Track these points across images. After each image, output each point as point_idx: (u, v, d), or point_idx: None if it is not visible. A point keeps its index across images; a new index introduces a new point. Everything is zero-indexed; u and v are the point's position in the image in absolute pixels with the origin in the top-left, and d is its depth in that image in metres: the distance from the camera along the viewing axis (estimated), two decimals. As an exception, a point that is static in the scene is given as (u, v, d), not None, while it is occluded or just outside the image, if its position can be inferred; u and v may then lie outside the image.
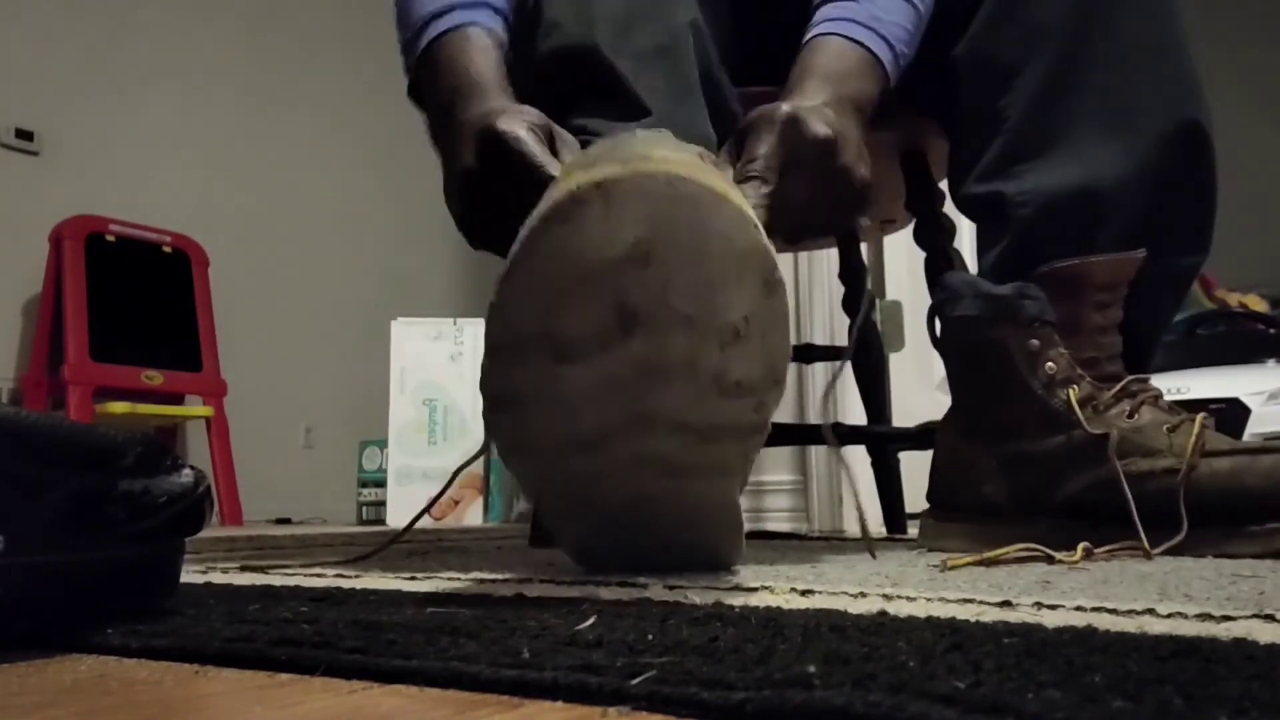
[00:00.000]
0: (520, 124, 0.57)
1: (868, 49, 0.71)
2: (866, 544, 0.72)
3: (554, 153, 0.57)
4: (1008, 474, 0.79)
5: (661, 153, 0.39)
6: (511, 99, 0.65)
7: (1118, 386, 0.75)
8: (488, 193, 0.60)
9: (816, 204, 0.63)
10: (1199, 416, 0.74)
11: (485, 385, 0.45)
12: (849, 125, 0.65)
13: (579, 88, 0.65)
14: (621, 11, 0.66)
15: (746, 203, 0.41)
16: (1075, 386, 0.75)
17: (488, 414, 0.46)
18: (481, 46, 0.70)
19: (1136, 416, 0.74)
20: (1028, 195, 0.78)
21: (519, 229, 0.43)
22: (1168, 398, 0.78)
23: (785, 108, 0.61)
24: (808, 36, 0.73)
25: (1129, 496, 0.69)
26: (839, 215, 0.66)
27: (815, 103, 0.65)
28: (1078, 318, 0.77)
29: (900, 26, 0.74)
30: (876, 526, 1.38)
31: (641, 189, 0.38)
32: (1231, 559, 0.67)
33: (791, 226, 0.63)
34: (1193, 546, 0.68)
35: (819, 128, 0.61)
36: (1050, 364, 0.76)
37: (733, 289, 0.41)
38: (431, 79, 0.71)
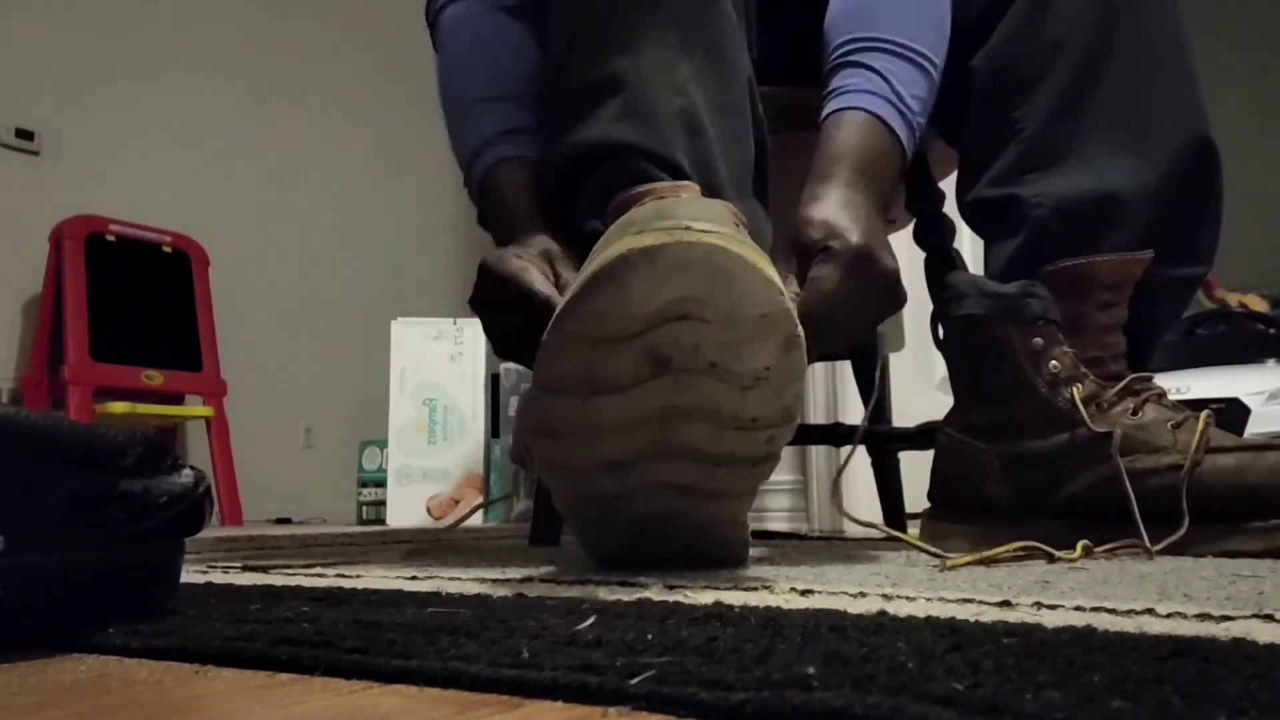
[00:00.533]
0: (514, 261, 0.61)
1: (890, 128, 0.73)
2: None
3: (555, 274, 0.61)
4: (1010, 472, 0.79)
5: (702, 224, 0.43)
6: (538, 226, 0.69)
7: (1121, 385, 0.75)
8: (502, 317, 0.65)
9: (858, 311, 0.65)
10: (1203, 413, 0.74)
11: (526, 413, 0.51)
12: (878, 224, 0.67)
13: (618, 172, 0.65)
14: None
15: (774, 270, 0.45)
16: (1079, 385, 0.76)
17: (529, 435, 0.51)
18: (514, 181, 0.76)
19: (1140, 414, 0.74)
20: (1043, 197, 0.80)
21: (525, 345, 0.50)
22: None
23: (854, 241, 0.63)
24: (831, 109, 0.74)
25: (1130, 494, 0.70)
26: (876, 317, 0.68)
27: (852, 197, 0.67)
28: (1082, 317, 0.77)
29: (918, 99, 0.75)
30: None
31: (682, 256, 0.42)
32: (1233, 556, 0.67)
33: (835, 334, 0.65)
34: (1195, 542, 0.68)
35: (889, 262, 0.65)
36: (1054, 362, 0.76)
37: (757, 345, 0.46)
38: (487, 214, 0.80)
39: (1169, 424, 0.73)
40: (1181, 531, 0.68)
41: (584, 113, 0.65)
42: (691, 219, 0.43)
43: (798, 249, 0.65)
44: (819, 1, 0.82)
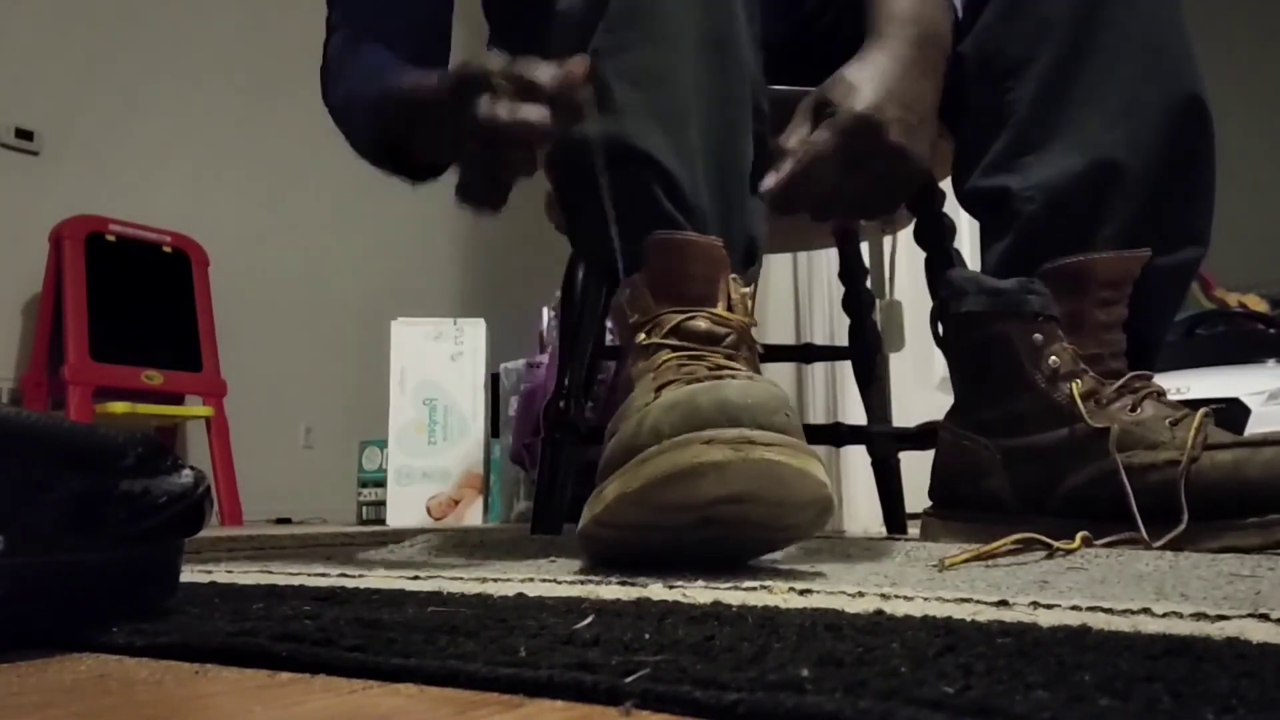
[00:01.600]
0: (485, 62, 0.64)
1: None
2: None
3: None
4: (1010, 468, 0.79)
5: (765, 436, 0.50)
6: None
7: (1120, 382, 0.76)
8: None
9: (854, 179, 0.69)
10: (1200, 410, 0.74)
11: (584, 535, 0.58)
12: (918, 83, 0.70)
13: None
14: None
15: (820, 465, 0.52)
16: (1078, 380, 0.76)
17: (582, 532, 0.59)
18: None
19: (1139, 410, 0.75)
20: (1033, 190, 0.79)
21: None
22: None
23: (857, 108, 0.68)
24: None
25: (1128, 488, 0.70)
26: (885, 194, 0.71)
27: (900, 63, 0.70)
28: (1081, 314, 0.77)
29: None
30: (876, 526, 1.39)
31: (749, 469, 0.49)
32: (1232, 552, 0.67)
33: (829, 203, 0.69)
34: (1194, 538, 0.69)
35: (897, 135, 0.68)
36: (1054, 358, 0.77)
37: (797, 514, 0.54)
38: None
39: (1167, 420, 0.74)
40: (1181, 527, 0.68)
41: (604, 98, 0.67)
42: (756, 424, 0.50)
43: (816, 103, 0.69)
44: (821, 3, 0.82)
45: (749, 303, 0.67)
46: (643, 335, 0.65)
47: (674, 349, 0.62)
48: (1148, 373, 0.78)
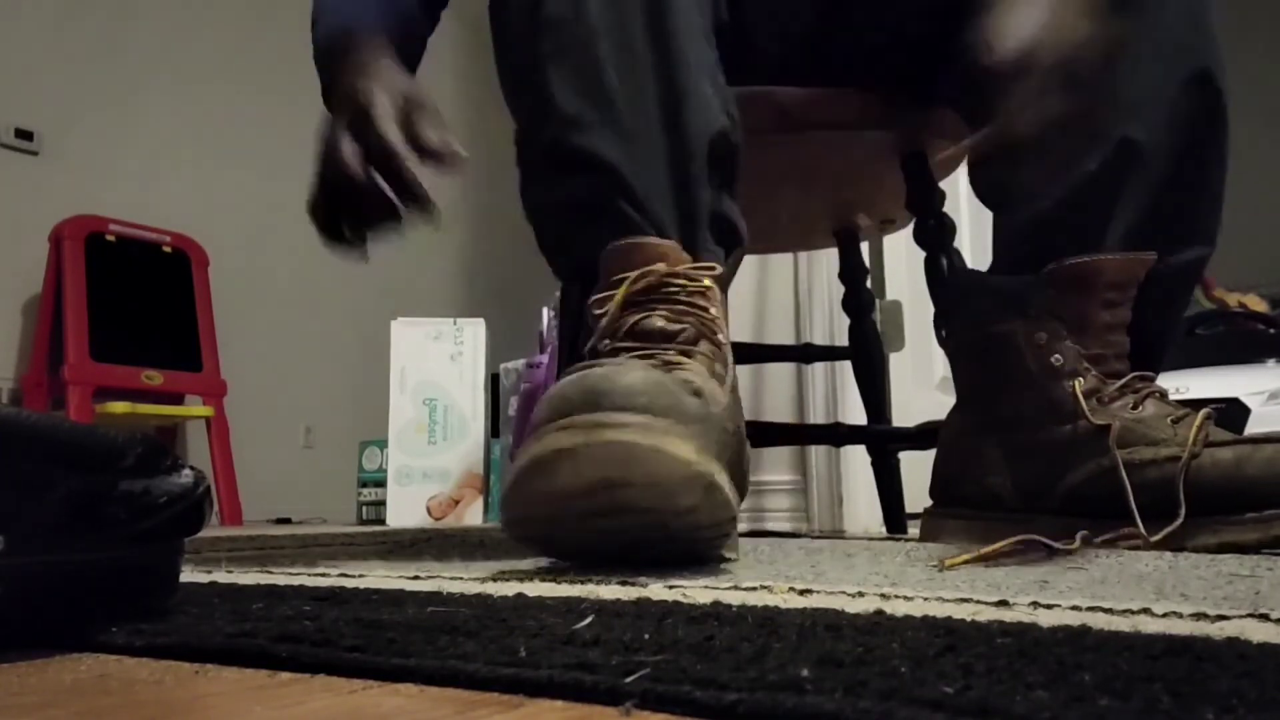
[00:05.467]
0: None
1: None
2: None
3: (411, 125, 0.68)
4: (1012, 464, 0.79)
5: (623, 415, 0.49)
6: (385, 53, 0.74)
7: (1122, 381, 0.76)
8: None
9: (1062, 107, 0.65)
10: (1202, 410, 0.74)
11: (505, 526, 0.57)
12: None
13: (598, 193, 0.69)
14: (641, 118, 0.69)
15: (687, 446, 0.50)
16: (1080, 379, 0.76)
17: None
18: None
19: (1140, 409, 0.75)
20: (1051, 184, 0.80)
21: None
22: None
23: (1049, 60, 0.63)
24: None
25: (1127, 485, 0.70)
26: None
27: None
28: (1086, 315, 0.78)
29: None
30: (876, 526, 1.38)
31: (598, 453, 0.49)
32: (1231, 549, 0.67)
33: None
34: (1193, 534, 0.69)
35: (1082, 35, 0.64)
36: (1057, 356, 0.77)
37: (683, 495, 0.52)
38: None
39: (1168, 419, 0.74)
40: (1179, 522, 0.68)
41: (565, 113, 0.69)
42: (615, 406, 0.49)
43: (983, 74, 0.64)
44: (827, 4, 0.82)
45: (715, 296, 0.66)
46: (606, 341, 0.65)
47: (629, 350, 0.62)
48: (1149, 374, 0.78)
